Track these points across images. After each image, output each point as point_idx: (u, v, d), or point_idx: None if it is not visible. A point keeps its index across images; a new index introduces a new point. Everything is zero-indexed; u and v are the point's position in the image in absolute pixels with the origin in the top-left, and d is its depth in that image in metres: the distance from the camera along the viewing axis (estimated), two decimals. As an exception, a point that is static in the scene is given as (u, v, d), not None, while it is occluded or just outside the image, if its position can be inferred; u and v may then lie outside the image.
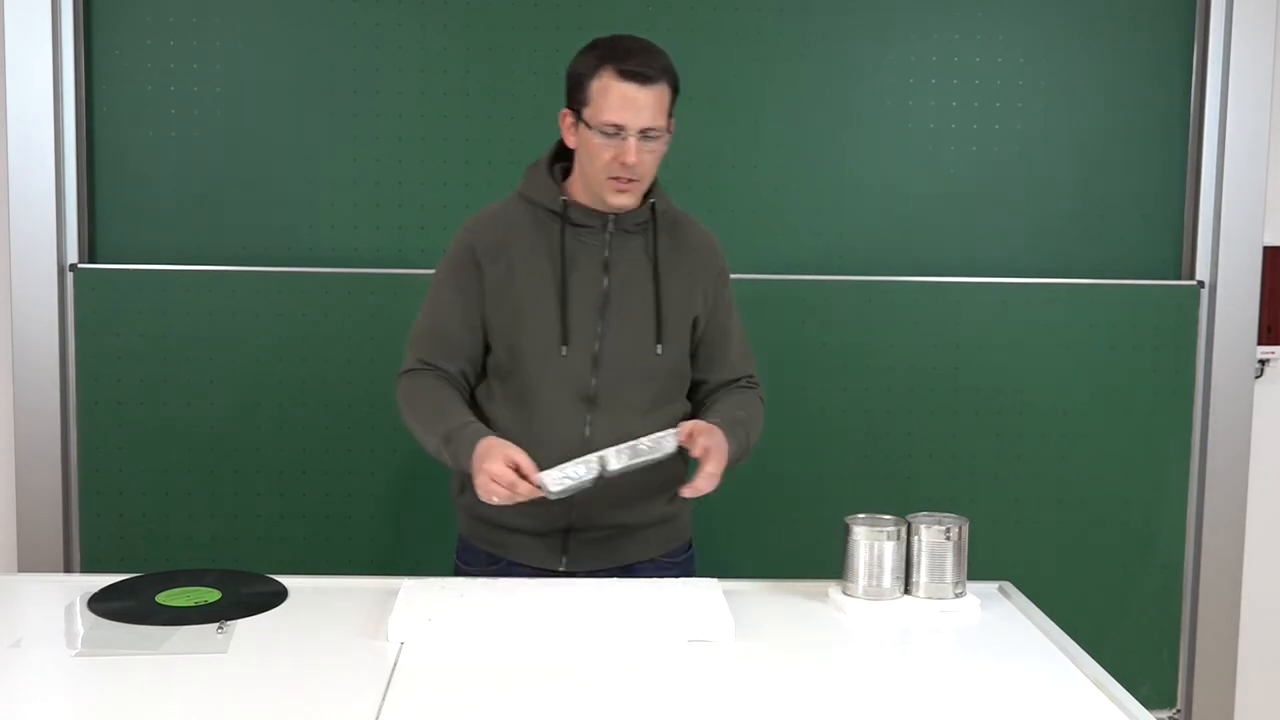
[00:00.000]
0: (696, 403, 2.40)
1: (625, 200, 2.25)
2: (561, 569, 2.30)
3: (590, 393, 2.27)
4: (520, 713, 1.73)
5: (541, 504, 2.15)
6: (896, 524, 2.11)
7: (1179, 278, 3.16)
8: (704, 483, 2.19)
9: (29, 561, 3.00)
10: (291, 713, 1.71)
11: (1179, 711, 3.20)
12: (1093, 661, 1.93)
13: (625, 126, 2.18)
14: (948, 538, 2.10)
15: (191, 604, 2.07)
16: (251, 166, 3.01)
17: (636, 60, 2.18)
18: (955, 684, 1.90)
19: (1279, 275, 3.15)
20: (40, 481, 3.00)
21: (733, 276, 3.02)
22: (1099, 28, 3.09)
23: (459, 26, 2.98)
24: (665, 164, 2.81)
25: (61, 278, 2.97)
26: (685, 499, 2.28)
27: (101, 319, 2.98)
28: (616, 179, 2.21)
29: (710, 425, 2.23)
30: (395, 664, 1.86)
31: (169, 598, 2.09)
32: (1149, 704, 1.90)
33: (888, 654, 2.02)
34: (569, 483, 2.12)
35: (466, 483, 2.27)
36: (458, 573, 2.39)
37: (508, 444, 2.15)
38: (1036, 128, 3.10)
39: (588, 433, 2.26)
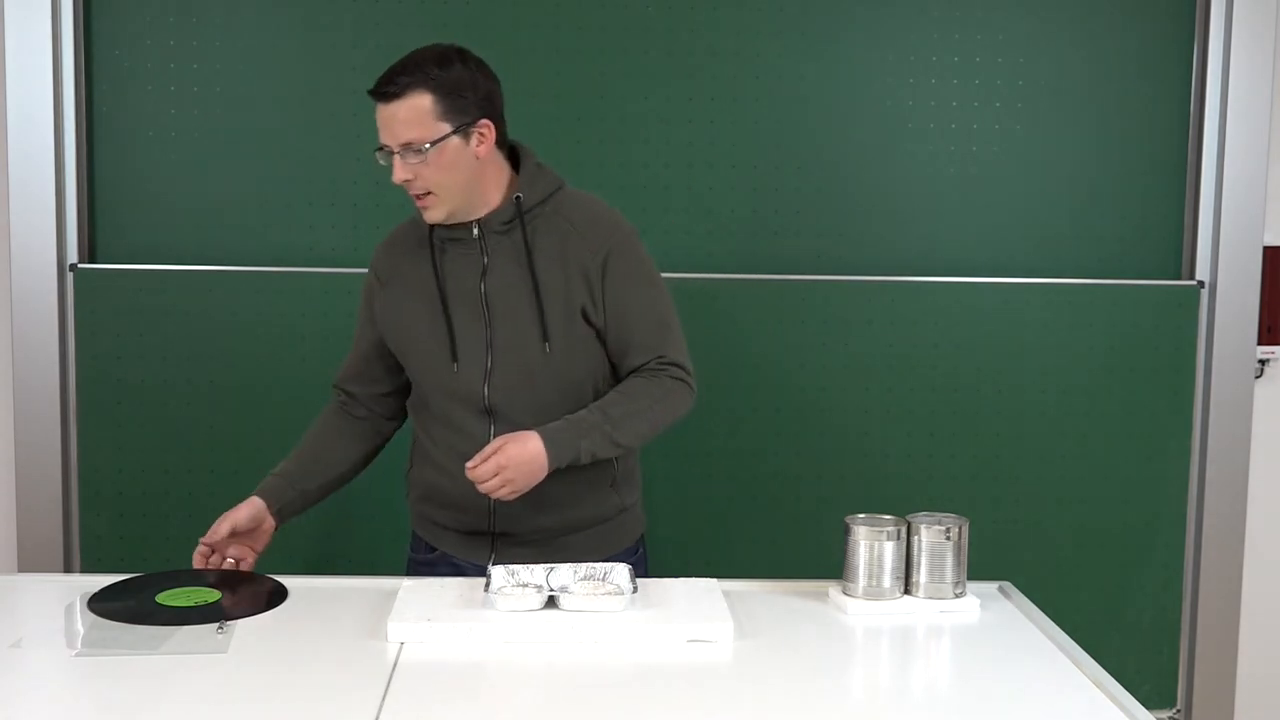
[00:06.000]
0: None
1: (430, 215, 2.22)
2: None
3: (485, 405, 2.26)
4: (520, 713, 1.74)
5: (463, 508, 2.26)
6: (896, 524, 2.11)
7: (1179, 278, 3.15)
8: (485, 480, 2.13)
9: (29, 561, 3.00)
10: (291, 713, 1.71)
11: (1179, 711, 3.20)
12: (1093, 661, 1.93)
13: (386, 146, 2.19)
14: (948, 538, 2.10)
15: (191, 604, 2.07)
16: (252, 166, 3.01)
17: (382, 80, 2.17)
18: (955, 684, 1.90)
19: (1279, 275, 3.15)
20: (40, 481, 3.00)
21: (732, 276, 3.03)
22: (1099, 27, 3.08)
23: (459, 26, 2.98)
24: (662, 163, 2.82)
25: (61, 278, 2.97)
26: (627, 498, 2.36)
27: (101, 319, 2.98)
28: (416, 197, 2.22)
29: (507, 443, 2.14)
30: (395, 664, 1.86)
31: (169, 598, 2.09)
32: (1149, 704, 1.90)
33: (888, 654, 2.02)
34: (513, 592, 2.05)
35: (411, 478, 2.41)
36: (408, 560, 2.47)
37: (231, 515, 2.27)
38: (1036, 127, 3.09)
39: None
